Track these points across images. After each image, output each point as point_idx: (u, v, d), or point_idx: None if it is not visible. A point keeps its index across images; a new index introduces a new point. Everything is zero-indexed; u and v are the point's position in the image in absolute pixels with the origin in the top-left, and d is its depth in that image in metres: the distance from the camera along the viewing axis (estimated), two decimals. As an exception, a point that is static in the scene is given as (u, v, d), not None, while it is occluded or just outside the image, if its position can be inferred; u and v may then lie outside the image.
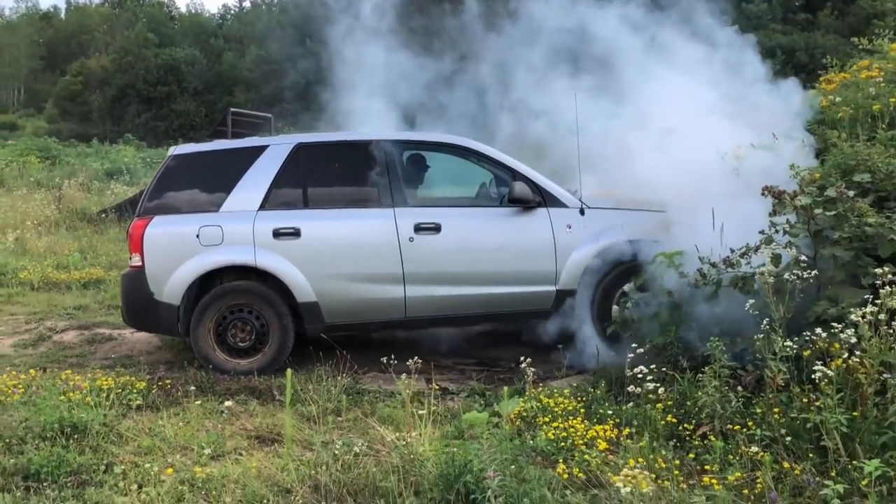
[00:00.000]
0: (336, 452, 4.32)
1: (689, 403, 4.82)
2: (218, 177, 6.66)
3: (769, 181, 5.33)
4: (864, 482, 3.54)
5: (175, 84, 58.42)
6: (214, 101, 56.76)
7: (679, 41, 7.10)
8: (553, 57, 7.58)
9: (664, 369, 5.26)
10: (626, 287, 6.39)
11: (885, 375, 4.12)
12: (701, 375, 4.76)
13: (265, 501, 3.91)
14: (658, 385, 4.98)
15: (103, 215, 16.04)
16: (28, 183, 20.31)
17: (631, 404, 4.97)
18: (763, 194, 5.19)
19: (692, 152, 6.22)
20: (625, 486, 3.44)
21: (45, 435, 4.65)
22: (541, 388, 5.42)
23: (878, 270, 4.31)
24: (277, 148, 6.68)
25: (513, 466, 3.94)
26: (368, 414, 5.33)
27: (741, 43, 7.20)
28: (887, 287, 4.20)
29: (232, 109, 10.25)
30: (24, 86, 75.01)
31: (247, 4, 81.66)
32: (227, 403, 5.23)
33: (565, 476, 4.03)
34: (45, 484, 4.12)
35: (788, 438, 4.12)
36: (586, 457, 4.22)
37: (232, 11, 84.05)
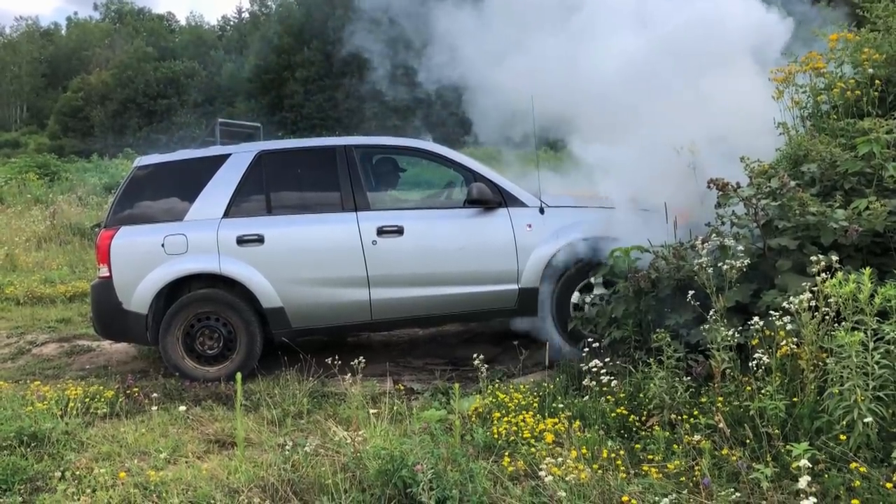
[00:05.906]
0: (287, 453, 4.41)
1: (641, 395, 4.88)
2: (182, 186, 6.74)
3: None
4: (794, 465, 3.59)
5: (175, 97, 58.85)
6: (215, 112, 57.04)
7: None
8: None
9: (618, 362, 5.33)
10: (583, 285, 6.49)
11: (829, 360, 4.16)
12: (649, 368, 4.82)
13: (213, 502, 3.99)
14: (612, 378, 5.06)
15: (96, 229, 16.12)
16: (26, 200, 20.43)
17: (586, 398, 5.04)
18: (708, 186, 5.24)
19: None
20: (547, 476, 3.49)
21: (2, 444, 4.75)
22: (498, 385, 5.50)
23: (814, 258, 4.35)
24: (239, 156, 6.74)
25: (453, 461, 4.01)
26: (330, 416, 5.41)
27: None
28: (823, 274, 4.27)
29: (220, 120, 10.30)
30: (27, 103, 75.66)
31: (245, 15, 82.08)
32: (181, 408, 5.30)
33: (511, 469, 4.11)
34: (-3, 491, 4.22)
35: (722, 425, 4.16)
36: (532, 450, 4.30)
37: (231, 22, 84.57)
